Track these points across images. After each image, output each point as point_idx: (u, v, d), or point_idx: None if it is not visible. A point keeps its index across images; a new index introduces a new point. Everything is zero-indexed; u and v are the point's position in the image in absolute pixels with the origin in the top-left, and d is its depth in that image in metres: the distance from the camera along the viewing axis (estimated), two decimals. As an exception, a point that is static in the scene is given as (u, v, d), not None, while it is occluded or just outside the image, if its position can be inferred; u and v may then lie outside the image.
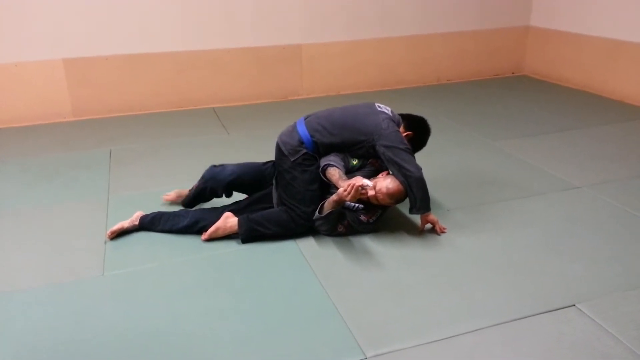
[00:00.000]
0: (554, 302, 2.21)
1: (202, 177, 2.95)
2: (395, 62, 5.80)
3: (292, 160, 2.70)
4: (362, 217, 2.71)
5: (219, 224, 2.71)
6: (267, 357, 1.95)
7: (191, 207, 3.03)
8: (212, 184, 2.89)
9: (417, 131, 2.83)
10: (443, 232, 2.77)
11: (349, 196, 2.48)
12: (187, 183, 3.30)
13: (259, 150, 3.58)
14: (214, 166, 2.96)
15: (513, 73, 6.36)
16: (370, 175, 2.73)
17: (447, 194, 3.22)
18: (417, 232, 2.79)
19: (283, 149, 2.75)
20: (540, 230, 2.79)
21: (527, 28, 6.19)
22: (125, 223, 2.81)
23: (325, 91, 5.63)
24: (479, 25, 5.99)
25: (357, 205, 2.59)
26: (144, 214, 2.87)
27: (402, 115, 2.88)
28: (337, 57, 5.54)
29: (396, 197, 2.64)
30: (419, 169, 2.64)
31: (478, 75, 6.20)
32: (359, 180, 2.49)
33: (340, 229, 2.74)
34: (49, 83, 4.74)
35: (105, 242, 2.74)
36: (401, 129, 2.78)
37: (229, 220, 2.72)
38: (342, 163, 2.70)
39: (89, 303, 2.27)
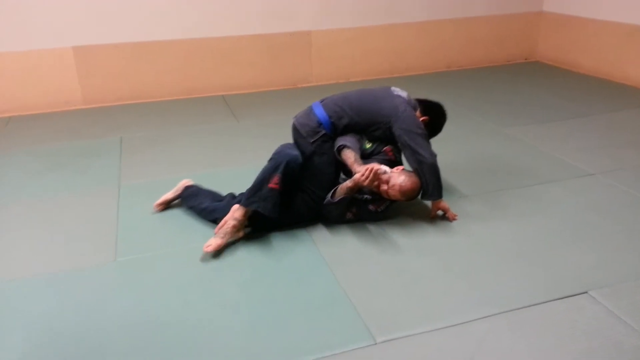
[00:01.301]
0: (566, 289, 2.19)
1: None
2: (405, 49, 5.75)
3: (311, 142, 2.67)
4: (371, 207, 2.69)
5: (227, 217, 2.70)
6: (278, 343, 1.96)
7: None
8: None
9: (434, 116, 2.80)
10: (454, 219, 2.76)
11: (367, 180, 2.45)
12: (197, 170, 3.30)
13: (269, 137, 3.56)
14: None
15: (526, 59, 6.28)
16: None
17: (459, 180, 3.20)
18: (428, 219, 2.77)
19: (301, 130, 2.71)
20: (553, 218, 2.76)
21: (540, 13, 6.10)
22: (169, 194, 2.90)
23: (335, 78, 5.60)
24: (490, 10, 5.90)
25: (364, 195, 2.56)
26: (190, 183, 2.95)
27: (418, 99, 2.85)
28: (347, 43, 5.50)
29: (408, 195, 2.60)
30: (434, 155, 2.62)
31: (490, 62, 6.13)
32: (377, 165, 2.48)
33: (349, 215, 2.73)
34: (58, 71, 4.76)
35: (116, 230, 2.75)
36: (417, 114, 2.75)
37: (238, 212, 2.71)
38: (358, 145, 2.68)
39: (100, 290, 2.29)
